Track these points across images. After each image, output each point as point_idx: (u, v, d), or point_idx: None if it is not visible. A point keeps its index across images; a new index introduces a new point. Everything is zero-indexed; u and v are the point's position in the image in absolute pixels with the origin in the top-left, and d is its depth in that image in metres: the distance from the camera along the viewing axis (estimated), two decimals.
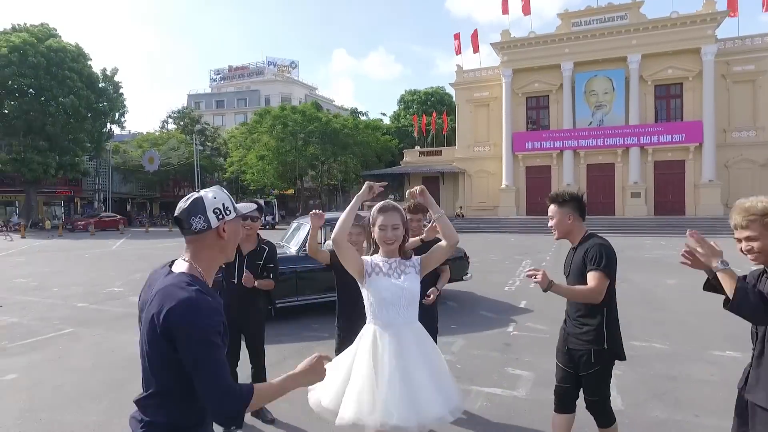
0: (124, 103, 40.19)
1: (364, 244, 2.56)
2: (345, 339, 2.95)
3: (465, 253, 8.21)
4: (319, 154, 35.52)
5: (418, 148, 37.90)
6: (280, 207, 40.04)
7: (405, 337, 2.18)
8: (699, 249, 1.96)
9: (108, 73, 38.74)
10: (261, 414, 3.58)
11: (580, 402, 2.80)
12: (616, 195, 29.94)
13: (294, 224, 7.83)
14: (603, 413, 2.71)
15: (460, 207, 32.53)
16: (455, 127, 35.26)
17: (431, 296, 3.40)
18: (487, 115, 33.36)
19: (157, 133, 49.87)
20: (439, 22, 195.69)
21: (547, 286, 2.38)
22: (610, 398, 2.76)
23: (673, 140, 28.66)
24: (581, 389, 2.73)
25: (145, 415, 1.36)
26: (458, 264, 7.71)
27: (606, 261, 2.55)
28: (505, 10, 32.06)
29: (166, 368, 1.32)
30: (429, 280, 3.33)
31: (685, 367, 4.75)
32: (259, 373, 3.76)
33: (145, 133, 50.67)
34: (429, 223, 3.04)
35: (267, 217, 31.55)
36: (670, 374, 4.57)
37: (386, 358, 2.13)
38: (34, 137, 34.27)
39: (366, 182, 2.34)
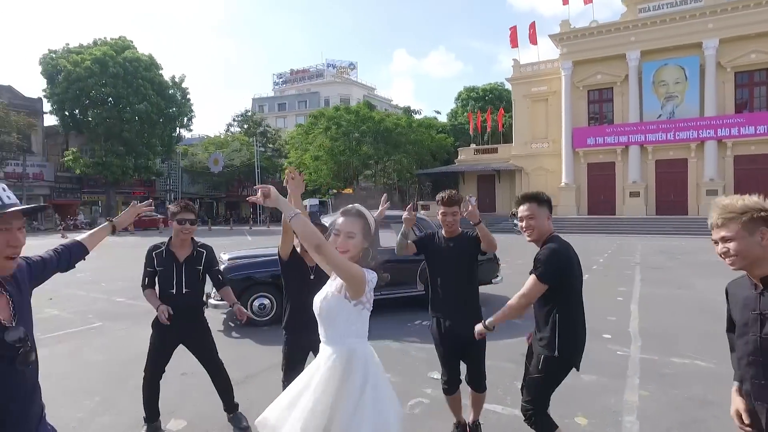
0: (192, 108, 42.59)
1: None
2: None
3: (495, 255, 7.76)
4: (373, 153, 35.62)
5: (473, 146, 37.02)
6: (338, 206, 40.58)
7: (319, 358, 1.93)
8: None
9: (176, 80, 41.18)
10: (236, 420, 3.47)
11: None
12: (689, 193, 27.59)
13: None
14: (539, 424, 2.52)
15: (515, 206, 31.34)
16: (512, 123, 34.10)
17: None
18: (545, 110, 31.95)
19: (222, 136, 52.37)
20: (501, 17, 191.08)
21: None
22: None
23: (757, 132, 25.94)
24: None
25: None
26: (487, 266, 7.30)
27: (545, 267, 2.44)
28: (566, 1, 30.51)
29: None
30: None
31: (728, 392, 4.12)
32: (226, 392, 3.47)
33: (212, 136, 53.39)
34: (467, 212, 3.04)
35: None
36: (706, 399, 3.96)
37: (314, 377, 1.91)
38: (113, 142, 37.12)
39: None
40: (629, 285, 9.34)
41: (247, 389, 4.13)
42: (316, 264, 2.92)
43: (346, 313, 1.85)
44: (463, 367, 3.22)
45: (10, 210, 1.44)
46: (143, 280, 3.32)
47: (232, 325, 6.47)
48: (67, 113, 37.99)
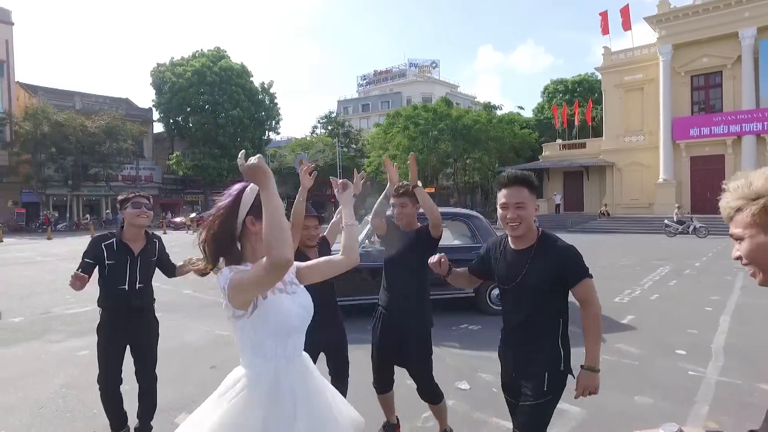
0: (279, 111, 44.96)
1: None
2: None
3: None
4: (451, 151, 34.99)
5: (559, 141, 34.95)
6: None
7: (310, 366, 1.70)
8: None
9: (265, 85, 43.64)
10: None
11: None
12: None
13: None
14: None
15: (605, 204, 29.05)
16: (603, 116, 31.67)
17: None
18: (640, 100, 29.24)
19: (308, 138, 54.57)
20: (594, 4, 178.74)
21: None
22: None
23: None
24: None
25: None
26: None
27: (585, 265, 2.08)
28: None
29: None
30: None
31: None
32: (147, 414, 3.14)
33: (298, 138, 55.85)
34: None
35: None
36: None
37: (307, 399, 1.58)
38: (210, 146, 40.30)
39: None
40: (725, 293, 8.13)
41: None
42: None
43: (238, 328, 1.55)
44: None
45: None
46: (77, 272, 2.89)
47: None
48: (171, 120, 42.00)
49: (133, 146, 38.47)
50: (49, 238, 24.92)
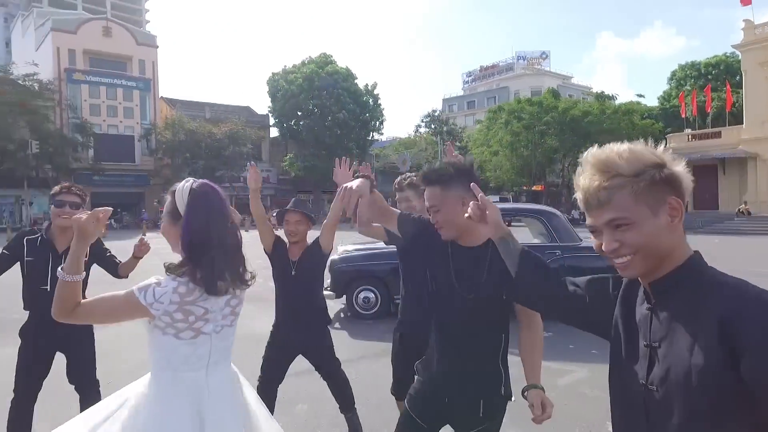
0: (383, 112, 46.06)
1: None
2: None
3: None
4: (558, 146, 32.91)
5: (688, 130, 31.09)
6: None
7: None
8: None
9: (369, 87, 45.00)
10: None
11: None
12: None
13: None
14: None
15: (745, 202, 25.21)
16: (743, 100, 27.55)
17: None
18: None
19: (411, 137, 55.14)
20: None
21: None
22: None
23: None
24: None
25: None
26: None
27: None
28: None
29: None
30: None
31: None
32: None
33: (402, 138, 56.66)
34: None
35: None
36: None
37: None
38: (318, 148, 42.66)
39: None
40: None
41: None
42: (299, 259, 2.75)
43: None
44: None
45: None
46: None
47: (342, 315, 6.65)
48: (285, 125, 45.34)
49: (253, 150, 42.14)
50: None
